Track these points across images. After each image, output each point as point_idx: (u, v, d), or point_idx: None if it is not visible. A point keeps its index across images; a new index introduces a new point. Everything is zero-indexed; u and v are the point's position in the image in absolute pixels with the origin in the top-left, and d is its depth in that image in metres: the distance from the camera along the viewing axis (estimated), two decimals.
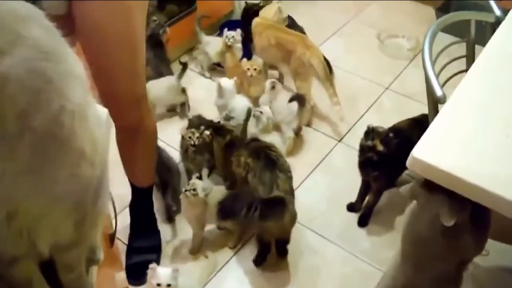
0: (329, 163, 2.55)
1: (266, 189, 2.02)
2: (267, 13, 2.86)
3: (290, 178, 2.08)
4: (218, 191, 2.08)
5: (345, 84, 2.94)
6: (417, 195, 1.40)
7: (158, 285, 1.80)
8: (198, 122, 2.37)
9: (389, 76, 3.03)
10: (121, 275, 1.57)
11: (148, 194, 2.09)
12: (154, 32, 2.77)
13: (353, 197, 2.35)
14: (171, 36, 2.87)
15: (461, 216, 1.32)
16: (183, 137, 2.29)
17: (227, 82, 2.60)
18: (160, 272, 1.81)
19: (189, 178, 2.19)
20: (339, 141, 2.65)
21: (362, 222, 2.28)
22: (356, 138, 2.63)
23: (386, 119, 2.73)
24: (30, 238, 0.76)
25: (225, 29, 2.90)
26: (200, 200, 2.00)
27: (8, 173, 0.68)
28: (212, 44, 2.98)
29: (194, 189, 1.99)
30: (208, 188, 2.01)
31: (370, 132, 2.10)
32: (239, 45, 2.92)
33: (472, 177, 1.21)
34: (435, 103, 1.59)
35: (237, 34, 2.87)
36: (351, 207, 2.34)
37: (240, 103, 2.57)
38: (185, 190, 2.01)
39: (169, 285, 1.80)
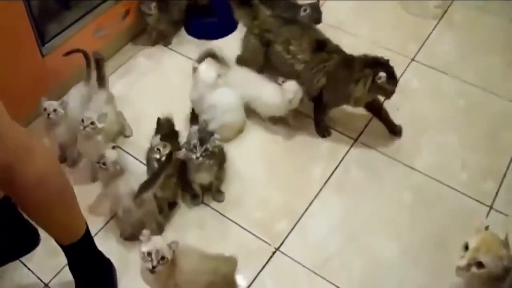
0: (343, 173, 1.91)
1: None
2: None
3: None
4: (193, 255, 1.49)
5: None
6: None
7: None
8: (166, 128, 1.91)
9: (414, 44, 2.34)
10: None
11: (85, 244, 1.55)
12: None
13: (376, 225, 1.74)
14: None
15: None
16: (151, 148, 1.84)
17: (208, 72, 1.98)
18: None
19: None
20: (356, 140, 2.00)
21: None
22: (373, 136, 1.99)
23: (415, 104, 2.09)
24: None
25: None
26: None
27: None
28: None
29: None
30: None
31: None
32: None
33: None
34: None
35: None
36: None
37: (222, 99, 1.96)
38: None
39: None
